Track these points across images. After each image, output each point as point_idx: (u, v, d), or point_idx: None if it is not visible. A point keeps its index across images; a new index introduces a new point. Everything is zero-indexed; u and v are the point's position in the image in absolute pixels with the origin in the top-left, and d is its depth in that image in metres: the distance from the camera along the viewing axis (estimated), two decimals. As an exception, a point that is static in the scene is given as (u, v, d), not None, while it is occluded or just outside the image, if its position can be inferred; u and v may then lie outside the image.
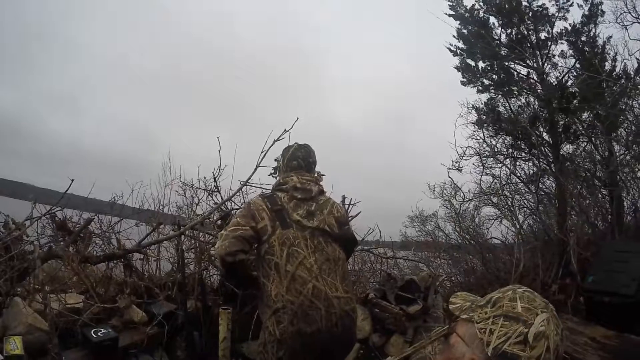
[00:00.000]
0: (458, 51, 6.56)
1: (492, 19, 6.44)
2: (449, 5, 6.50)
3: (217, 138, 4.18)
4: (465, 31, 6.49)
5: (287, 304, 2.29)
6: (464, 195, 6.88)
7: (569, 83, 6.40)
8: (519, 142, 6.54)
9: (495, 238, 6.83)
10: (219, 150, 4.18)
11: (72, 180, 3.53)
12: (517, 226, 6.41)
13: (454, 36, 6.61)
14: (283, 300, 2.30)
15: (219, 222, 4.20)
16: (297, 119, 3.98)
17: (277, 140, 4.05)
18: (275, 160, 3.97)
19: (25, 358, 2.46)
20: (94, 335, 2.86)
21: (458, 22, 6.52)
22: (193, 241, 4.16)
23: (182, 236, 3.98)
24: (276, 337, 2.31)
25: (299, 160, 2.70)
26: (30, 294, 3.08)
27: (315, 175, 2.79)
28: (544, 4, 6.20)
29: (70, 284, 3.59)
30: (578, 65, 6.45)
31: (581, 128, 6.61)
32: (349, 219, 3.96)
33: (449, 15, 6.52)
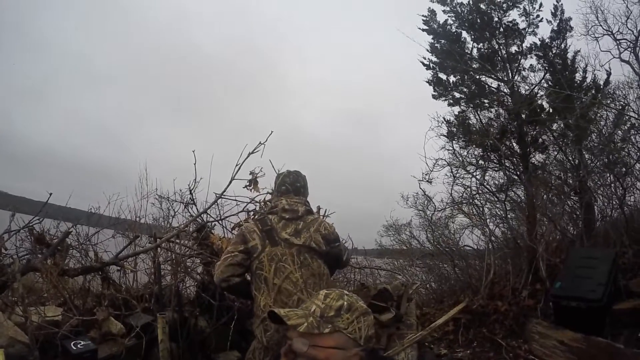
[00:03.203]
0: (431, 65, 6.81)
1: (465, 34, 6.72)
2: (423, 20, 6.73)
3: (193, 151, 4.27)
4: (438, 45, 6.73)
5: None
6: (435, 205, 7.12)
7: (539, 95, 6.70)
8: (489, 154, 6.79)
9: (468, 246, 7.05)
10: (195, 163, 4.28)
11: (50, 194, 3.65)
12: (488, 234, 6.65)
13: (427, 50, 6.88)
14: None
15: (194, 234, 4.29)
16: (272, 132, 4.13)
17: (252, 152, 4.18)
18: (251, 173, 4.16)
19: None
20: (74, 348, 2.95)
21: (431, 36, 6.76)
22: (169, 253, 4.25)
23: (159, 248, 4.03)
24: (263, 344, 2.59)
25: (287, 186, 2.99)
26: (10, 307, 3.17)
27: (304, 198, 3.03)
28: (515, 20, 6.51)
29: (48, 296, 3.70)
30: (549, 77, 6.76)
31: (552, 137, 6.90)
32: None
33: (422, 30, 6.78)
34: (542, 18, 6.62)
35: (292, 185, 3.01)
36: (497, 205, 6.97)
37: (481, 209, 6.81)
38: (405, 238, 8.09)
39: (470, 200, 6.82)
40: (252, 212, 4.31)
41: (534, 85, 6.57)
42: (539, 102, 6.58)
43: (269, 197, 4.15)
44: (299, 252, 2.73)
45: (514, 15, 6.56)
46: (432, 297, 7.09)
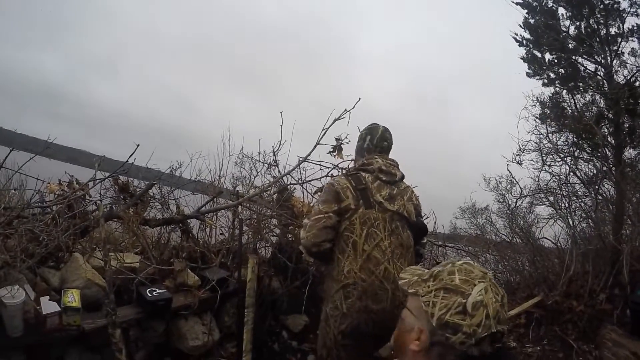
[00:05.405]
0: (524, 41, 6.14)
1: (561, 10, 5.98)
2: (517, -8, 6.06)
3: (281, 113, 3.99)
4: (532, 21, 6.07)
5: (359, 281, 2.25)
6: (521, 190, 6.44)
7: (638, 83, 5.89)
8: (581, 141, 6.07)
9: (547, 238, 6.39)
10: (281, 125, 4.01)
11: (138, 145, 3.41)
12: (571, 229, 5.97)
13: (520, 25, 6.16)
14: (355, 277, 2.26)
15: (275, 195, 4.17)
16: (359, 99, 3.83)
17: (338, 119, 3.93)
18: (336, 139, 3.91)
19: (81, 310, 2.46)
20: (149, 295, 2.85)
21: (525, 10, 6.09)
22: (250, 212, 4.12)
23: (240, 206, 3.95)
24: (342, 311, 2.27)
25: (388, 142, 2.62)
26: (90, 251, 3.08)
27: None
28: (616, -3, 5.69)
29: (125, 245, 3.61)
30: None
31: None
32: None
33: (517, 4, 6.07)
34: (647, -2, 5.75)
35: (390, 143, 2.63)
36: (584, 199, 6.22)
37: (567, 200, 6.09)
38: (481, 222, 7.46)
39: (558, 190, 6.13)
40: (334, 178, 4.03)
41: (634, 72, 5.74)
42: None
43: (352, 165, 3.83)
44: (391, 219, 2.35)
45: (615, -8, 5.72)
46: (502, 288, 6.47)
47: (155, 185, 3.79)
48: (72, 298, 2.45)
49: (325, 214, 2.33)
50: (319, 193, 3.97)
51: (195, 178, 4.34)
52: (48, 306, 2.36)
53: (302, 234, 2.40)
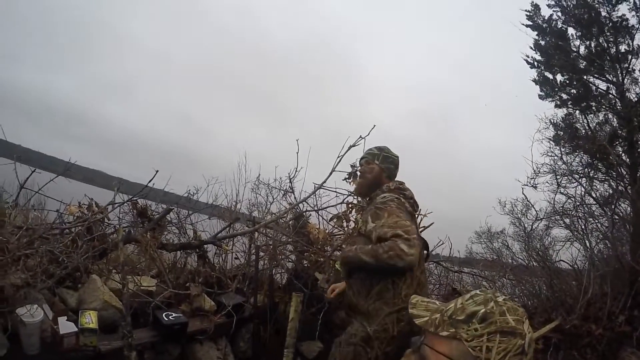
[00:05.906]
0: (535, 63, 6.12)
1: (571, 30, 5.97)
2: (526, 15, 6.08)
3: (297, 140, 4.02)
4: (542, 42, 6.06)
5: None
6: (537, 213, 6.33)
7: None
8: (596, 162, 5.99)
9: (564, 261, 6.25)
10: (297, 153, 4.03)
11: (157, 172, 3.47)
12: (589, 251, 5.83)
13: (531, 47, 6.18)
14: None
15: (291, 222, 4.15)
16: (374, 126, 3.84)
17: (353, 146, 3.95)
18: (351, 165, 3.90)
19: (98, 332, 2.46)
20: (165, 319, 2.85)
21: (535, 32, 6.10)
22: (266, 238, 4.11)
23: (256, 233, 3.94)
24: (392, 334, 2.23)
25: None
26: (108, 273, 3.10)
27: None
28: (624, 15, 5.66)
29: (142, 267, 3.61)
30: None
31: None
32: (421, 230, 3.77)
33: (527, 26, 6.10)
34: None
35: None
36: (601, 220, 6.09)
37: (584, 221, 5.97)
38: (497, 247, 7.32)
39: (574, 212, 6.01)
40: (350, 205, 4.07)
41: (646, 89, 5.69)
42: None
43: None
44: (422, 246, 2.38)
45: (623, 9, 5.65)
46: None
47: (173, 210, 3.82)
48: (90, 319, 2.46)
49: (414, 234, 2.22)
50: (335, 220, 4.03)
51: (212, 203, 4.37)
52: (65, 326, 2.36)
53: (408, 249, 2.12)
